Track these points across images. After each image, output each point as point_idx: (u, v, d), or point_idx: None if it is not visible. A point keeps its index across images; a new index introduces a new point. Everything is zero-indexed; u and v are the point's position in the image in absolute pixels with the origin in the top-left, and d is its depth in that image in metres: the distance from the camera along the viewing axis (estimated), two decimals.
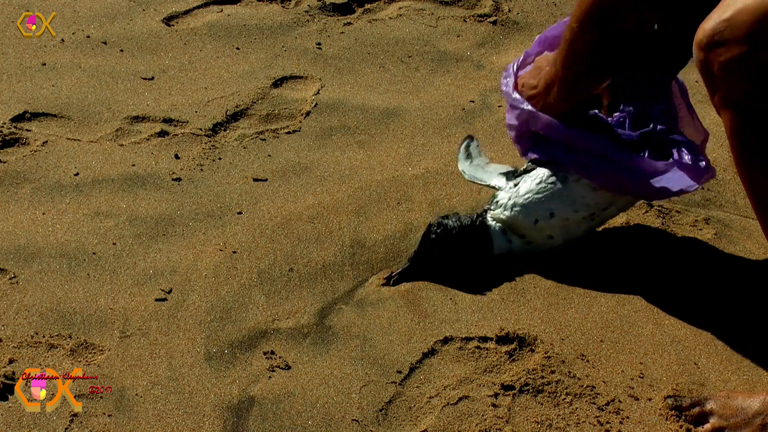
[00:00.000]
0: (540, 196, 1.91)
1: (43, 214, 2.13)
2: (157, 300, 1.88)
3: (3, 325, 1.81)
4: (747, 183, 1.51)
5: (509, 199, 1.94)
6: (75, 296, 1.89)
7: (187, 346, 1.77)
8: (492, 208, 1.96)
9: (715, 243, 2.01)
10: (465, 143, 2.13)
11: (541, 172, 1.92)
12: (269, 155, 2.35)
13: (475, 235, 1.94)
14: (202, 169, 2.30)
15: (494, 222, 1.95)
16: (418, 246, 1.94)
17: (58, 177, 2.26)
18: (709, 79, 1.47)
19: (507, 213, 1.93)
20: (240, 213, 2.14)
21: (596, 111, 1.94)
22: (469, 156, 2.11)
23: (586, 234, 1.96)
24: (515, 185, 1.95)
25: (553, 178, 1.90)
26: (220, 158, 2.34)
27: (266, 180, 2.26)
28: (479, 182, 2.07)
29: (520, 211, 1.92)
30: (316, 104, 2.57)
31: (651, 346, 1.76)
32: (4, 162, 2.30)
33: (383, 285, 1.91)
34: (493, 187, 2.01)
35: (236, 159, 2.34)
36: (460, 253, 1.93)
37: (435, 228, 1.93)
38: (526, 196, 1.92)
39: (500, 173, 2.03)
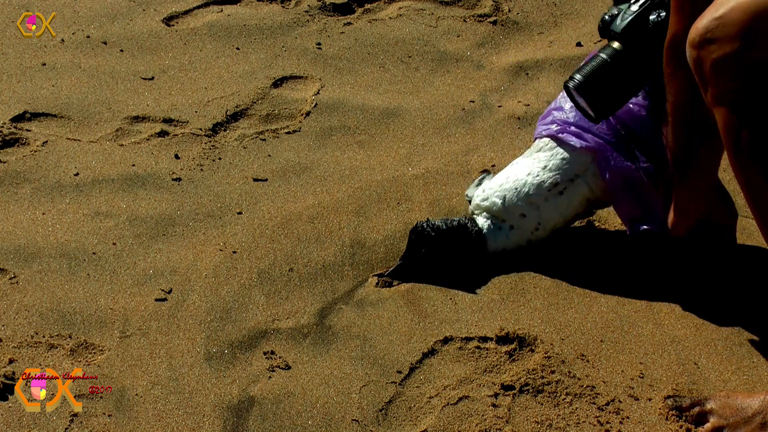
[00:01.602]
0: (506, 172, 1.99)
1: (43, 214, 2.13)
2: (157, 300, 1.88)
3: (3, 325, 1.81)
4: (742, 181, 1.51)
5: (482, 186, 2.01)
6: (75, 296, 1.89)
7: (187, 346, 1.77)
8: (474, 200, 2.02)
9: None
10: (481, 176, 2.16)
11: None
12: (269, 155, 2.36)
13: (465, 233, 1.95)
14: (202, 169, 2.30)
15: (483, 220, 1.96)
16: (406, 244, 1.95)
17: (58, 177, 2.26)
18: (701, 77, 1.47)
19: (481, 196, 1.99)
20: (240, 213, 2.14)
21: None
22: (479, 185, 2.14)
23: (567, 221, 1.96)
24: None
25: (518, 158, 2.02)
26: (220, 158, 2.34)
27: (266, 180, 2.26)
28: None
29: (491, 192, 1.97)
30: (316, 104, 2.57)
31: (651, 346, 1.76)
32: (4, 162, 2.31)
33: (376, 285, 1.92)
34: None
35: (236, 159, 2.34)
36: (452, 251, 1.94)
37: (420, 226, 1.94)
38: (496, 178, 2.00)
39: None
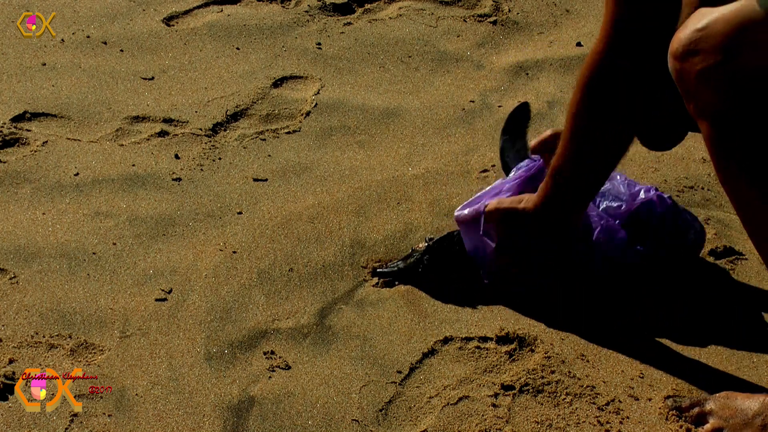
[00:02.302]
0: None
1: (43, 214, 2.13)
2: (157, 300, 1.88)
3: (3, 325, 1.81)
4: (729, 191, 1.50)
5: None
6: (75, 296, 1.89)
7: (187, 346, 1.77)
8: None
9: (715, 243, 2.01)
10: (520, 105, 2.05)
11: None
12: (269, 155, 2.36)
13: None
14: (202, 169, 2.30)
15: None
16: (411, 263, 1.93)
17: (58, 177, 2.26)
18: (684, 88, 1.46)
19: None
20: (240, 213, 2.14)
21: None
22: (518, 126, 2.03)
23: None
24: None
25: None
26: (220, 158, 2.34)
27: (266, 180, 2.26)
28: (504, 169, 2.02)
29: None
30: (316, 104, 2.57)
31: (651, 346, 1.76)
32: (4, 162, 2.31)
33: (375, 285, 1.91)
34: None
35: (236, 159, 2.34)
36: (450, 263, 1.92)
37: (416, 257, 1.91)
38: None
39: None
